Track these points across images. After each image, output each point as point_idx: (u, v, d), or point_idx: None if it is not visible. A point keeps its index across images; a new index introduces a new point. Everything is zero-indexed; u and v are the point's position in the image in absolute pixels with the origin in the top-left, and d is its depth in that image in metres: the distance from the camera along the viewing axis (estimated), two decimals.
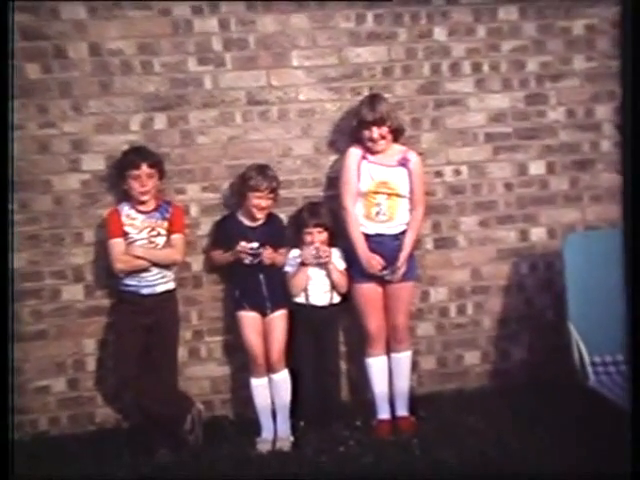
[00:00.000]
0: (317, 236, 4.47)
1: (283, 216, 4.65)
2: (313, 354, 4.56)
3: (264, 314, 4.45)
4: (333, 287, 4.52)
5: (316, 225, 4.48)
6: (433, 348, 4.97)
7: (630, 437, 2.02)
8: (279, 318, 4.46)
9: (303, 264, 4.45)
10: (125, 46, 4.39)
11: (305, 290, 4.51)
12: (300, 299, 4.53)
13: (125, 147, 4.41)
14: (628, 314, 1.94)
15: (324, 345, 4.60)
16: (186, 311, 4.64)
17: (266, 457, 4.29)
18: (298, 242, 4.52)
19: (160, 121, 4.49)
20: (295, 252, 4.52)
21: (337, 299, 4.57)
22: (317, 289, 4.52)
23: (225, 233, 4.52)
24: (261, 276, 4.42)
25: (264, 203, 4.42)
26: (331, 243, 4.53)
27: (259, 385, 4.45)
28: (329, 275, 4.50)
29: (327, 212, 4.55)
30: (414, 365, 4.77)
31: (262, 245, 4.39)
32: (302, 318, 4.53)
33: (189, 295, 4.66)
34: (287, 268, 4.51)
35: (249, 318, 4.44)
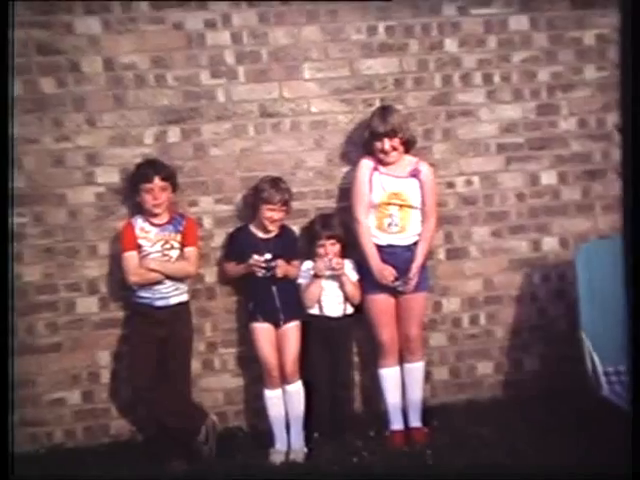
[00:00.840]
0: (330, 248, 4.51)
1: (295, 228, 4.68)
2: (327, 365, 4.59)
3: (277, 325, 4.49)
4: (346, 298, 4.56)
5: (329, 237, 4.52)
6: (446, 359, 5.01)
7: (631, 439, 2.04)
8: (292, 329, 4.51)
9: (316, 276, 4.49)
10: (139, 60, 4.46)
11: (319, 301, 4.55)
12: (314, 310, 4.57)
13: (139, 160, 4.45)
14: (629, 318, 1.99)
15: (337, 356, 4.64)
16: (200, 323, 4.69)
17: (280, 468, 4.33)
18: (311, 254, 4.55)
19: (173, 134, 4.56)
20: (308, 264, 4.56)
21: (350, 310, 4.61)
22: (331, 300, 4.57)
23: (238, 245, 4.56)
24: (274, 288, 4.46)
25: (276, 215, 4.47)
26: (344, 254, 4.57)
27: (273, 397, 4.49)
28: (342, 286, 4.54)
29: (339, 224, 4.59)
30: (427, 376, 4.82)
31: (275, 257, 4.43)
32: (316, 329, 4.57)
33: (203, 307, 4.72)
34: (300, 280, 4.55)
35: (262, 330, 4.49)
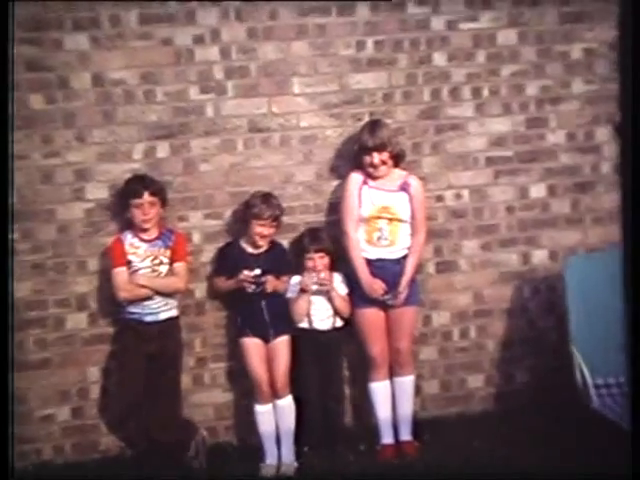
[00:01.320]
0: (318, 261, 4.53)
1: (284, 242, 4.70)
2: (317, 379, 4.62)
3: (267, 340, 4.51)
4: (336, 312, 4.59)
5: (317, 250, 4.53)
6: (436, 372, 5.03)
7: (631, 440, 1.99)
8: (282, 344, 4.53)
9: (303, 290, 4.51)
10: (128, 76, 4.49)
11: (308, 315, 4.57)
12: (303, 324, 4.59)
13: (128, 176, 4.48)
14: (627, 330, 1.94)
15: (328, 370, 4.67)
16: (189, 338, 4.69)
17: None
18: (299, 268, 4.57)
19: (163, 149, 4.58)
20: (296, 278, 4.57)
21: (340, 323, 4.63)
22: (320, 314, 4.59)
23: (228, 260, 4.58)
24: (263, 303, 4.49)
25: (267, 231, 4.50)
26: (332, 268, 4.59)
27: (264, 412, 4.52)
28: (331, 300, 4.57)
29: (328, 237, 4.61)
30: (417, 389, 4.84)
31: (264, 273, 4.46)
32: (305, 343, 4.58)
33: (192, 322, 4.72)
34: (289, 294, 4.56)
35: (252, 345, 4.50)
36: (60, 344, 4.59)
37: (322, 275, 4.51)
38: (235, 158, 4.68)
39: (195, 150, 4.62)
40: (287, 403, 4.54)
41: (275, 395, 4.52)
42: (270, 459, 4.51)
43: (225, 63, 4.58)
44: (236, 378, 4.75)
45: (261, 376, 4.49)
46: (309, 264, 4.53)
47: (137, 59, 4.49)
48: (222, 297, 4.72)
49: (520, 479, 4.10)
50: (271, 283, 4.46)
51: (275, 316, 4.52)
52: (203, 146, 4.62)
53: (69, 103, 4.46)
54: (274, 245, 4.62)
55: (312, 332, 4.60)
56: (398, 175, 4.55)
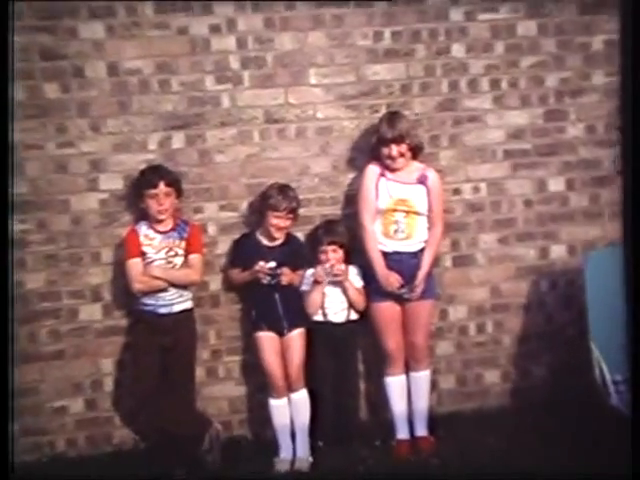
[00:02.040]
0: (332, 254, 4.54)
1: (300, 235, 4.70)
2: (331, 373, 4.62)
3: (281, 334, 4.51)
4: (350, 304, 4.60)
5: (330, 243, 4.54)
6: (452, 367, 5.02)
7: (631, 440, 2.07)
8: (297, 337, 4.52)
9: (317, 282, 4.50)
10: (143, 65, 4.47)
11: (322, 308, 4.57)
12: (318, 317, 4.60)
13: (143, 166, 4.46)
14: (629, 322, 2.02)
15: (343, 364, 4.67)
16: (204, 330, 4.70)
17: (285, 477, 4.36)
18: (314, 261, 4.57)
19: (178, 140, 4.57)
20: (311, 271, 4.58)
21: (354, 316, 4.63)
22: (334, 306, 4.59)
23: (243, 252, 4.58)
24: (277, 295, 4.48)
25: (283, 223, 4.49)
26: (347, 261, 4.59)
27: (278, 405, 4.50)
28: (345, 292, 4.57)
29: (343, 230, 4.61)
30: (433, 384, 4.83)
31: (279, 265, 4.44)
32: (320, 336, 4.59)
33: (207, 314, 4.73)
34: (303, 287, 4.56)
35: (267, 339, 4.50)
36: (73, 336, 4.60)
37: (336, 267, 4.47)
38: (251, 149, 4.66)
39: (211, 141, 4.61)
40: (302, 397, 4.53)
41: (289, 389, 4.51)
42: (285, 453, 4.51)
43: (241, 53, 4.56)
44: (250, 371, 4.75)
45: (275, 370, 4.48)
46: (322, 257, 4.54)
47: (153, 48, 4.48)
48: (237, 290, 4.72)
49: (534, 476, 4.04)
50: (287, 276, 4.45)
51: (289, 309, 4.51)
52: (219, 137, 4.61)
53: (84, 92, 4.45)
54: (290, 238, 4.62)
55: (326, 325, 4.60)
56: (416, 167, 4.52)
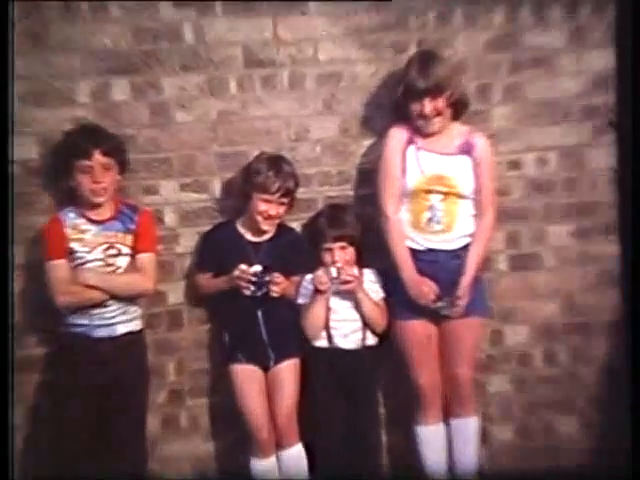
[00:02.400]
0: (339, 254, 4.07)
1: (296, 225, 4.29)
2: (340, 419, 4.09)
3: (266, 367, 4.10)
4: (366, 324, 4.13)
5: (338, 238, 4.07)
6: (511, 412, 4.62)
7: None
8: (287, 371, 4.09)
9: (318, 291, 4.05)
10: None
11: (327, 328, 4.09)
12: (320, 342, 4.13)
13: (69, 127, 4.02)
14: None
15: (355, 406, 4.14)
16: (159, 362, 4.30)
17: None
18: (314, 262, 4.15)
19: (120, 89, 4.11)
20: (311, 276, 4.13)
21: (372, 340, 4.16)
22: (343, 327, 4.12)
23: (217, 250, 4.17)
24: (259, 313, 4.05)
25: (274, 210, 4.06)
26: (360, 263, 4.18)
27: (264, 469, 4.01)
28: (359, 307, 4.10)
29: (354, 220, 4.17)
30: (484, 436, 4.44)
31: (268, 270, 4.01)
32: (324, 368, 4.12)
33: (164, 339, 4.31)
34: (300, 299, 4.09)
35: (246, 373, 4.07)
36: None
37: (346, 271, 4.03)
38: (226, 104, 4.20)
39: (168, 91, 4.14)
40: (295, 454, 4.08)
41: (279, 443, 4.06)
42: None
43: None
44: (225, 420, 4.32)
45: (259, 417, 4.01)
46: (327, 257, 4.07)
47: None
48: (207, 304, 4.30)
49: None
50: (278, 285, 4.01)
51: (277, 333, 4.08)
52: (179, 85, 4.14)
53: None
54: (284, 231, 4.22)
55: (333, 353, 4.11)
56: (458, 132, 4.09)
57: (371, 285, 4.18)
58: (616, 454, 2.37)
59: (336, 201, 4.32)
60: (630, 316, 4.27)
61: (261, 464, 4.05)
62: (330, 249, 4.08)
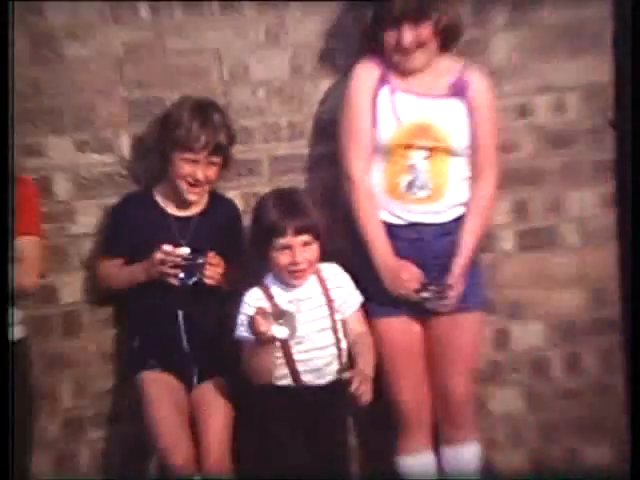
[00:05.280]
0: (301, 251, 3.19)
1: (234, 195, 3.56)
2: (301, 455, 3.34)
3: (188, 383, 3.38)
4: (340, 350, 3.32)
5: (299, 231, 3.20)
6: (522, 435, 3.89)
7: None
8: (215, 391, 3.38)
9: (259, 336, 3.08)
10: None
11: (289, 364, 3.23)
12: (281, 381, 3.31)
13: None
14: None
15: (326, 448, 3.38)
16: (50, 382, 3.58)
17: None
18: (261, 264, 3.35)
19: None
20: (255, 294, 3.24)
21: (347, 364, 3.37)
22: (313, 359, 3.28)
23: (130, 229, 3.47)
24: (180, 314, 3.34)
25: (201, 173, 3.37)
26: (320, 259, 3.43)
27: None
28: (335, 329, 3.30)
29: (313, 206, 3.39)
30: (487, 466, 3.66)
31: (197, 252, 3.31)
32: (286, 410, 3.32)
33: (56, 349, 3.59)
34: (237, 331, 3.23)
35: (159, 382, 3.35)
36: None
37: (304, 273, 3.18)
38: (135, 34, 3.46)
39: (56, 18, 3.38)
40: None
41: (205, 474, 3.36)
42: None
43: None
44: (140, 454, 3.52)
45: (171, 436, 3.21)
46: (282, 258, 3.14)
47: None
48: (113, 302, 3.58)
49: None
50: (214, 267, 3.31)
51: (202, 341, 3.37)
52: (70, 8, 3.44)
53: None
54: (218, 202, 3.54)
55: (301, 392, 3.29)
56: (447, 68, 3.38)
57: (341, 285, 3.29)
58: None
59: (282, 185, 3.58)
60: None
61: None
62: (289, 246, 3.17)
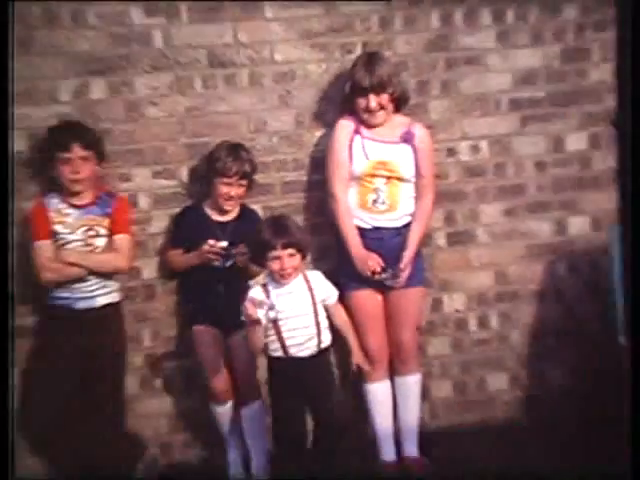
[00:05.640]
0: (287, 260, 3.78)
1: (257, 207, 4.41)
2: (305, 422, 3.97)
3: (225, 333, 4.25)
4: (320, 328, 3.89)
5: (286, 245, 3.80)
6: (448, 370, 4.82)
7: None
8: (243, 339, 4.11)
9: (250, 321, 3.76)
10: None
11: (279, 340, 3.83)
12: (275, 352, 3.90)
13: (53, 122, 4.15)
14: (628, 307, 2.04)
15: (315, 398, 3.95)
16: (136, 330, 4.44)
17: None
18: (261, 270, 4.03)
19: (98, 88, 4.25)
20: (256, 292, 3.80)
21: (328, 339, 3.93)
22: (296, 336, 3.87)
23: (187, 229, 4.32)
24: (220, 287, 4.22)
25: (234, 192, 4.24)
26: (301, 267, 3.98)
27: (219, 412, 4.26)
28: (317, 317, 3.88)
29: (298, 227, 4.06)
30: (425, 392, 4.60)
31: (233, 244, 4.18)
32: (283, 376, 3.91)
33: (139, 309, 4.46)
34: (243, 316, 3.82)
35: (205, 334, 4.24)
36: None
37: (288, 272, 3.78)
38: (192, 101, 4.37)
39: (140, 90, 4.31)
40: (254, 410, 4.25)
41: (240, 401, 4.26)
42: (233, 458, 4.32)
43: None
44: (196, 380, 4.44)
45: (215, 372, 4.20)
46: (275, 265, 3.76)
47: None
48: (177, 278, 4.44)
49: None
50: (244, 255, 4.15)
51: (235, 306, 4.02)
52: (150, 85, 4.31)
53: None
54: (245, 211, 4.38)
55: (290, 362, 3.88)
56: (399, 122, 4.29)
57: (323, 286, 3.96)
58: None
59: (275, 213, 4.32)
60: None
61: (217, 408, 4.26)
62: (279, 257, 3.80)
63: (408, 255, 4.23)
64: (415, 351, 4.41)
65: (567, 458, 4.19)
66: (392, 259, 4.23)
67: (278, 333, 3.85)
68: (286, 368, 3.91)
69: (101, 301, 4.13)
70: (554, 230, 4.79)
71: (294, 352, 3.87)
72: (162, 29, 4.29)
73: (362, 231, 4.25)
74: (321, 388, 3.97)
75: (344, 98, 4.29)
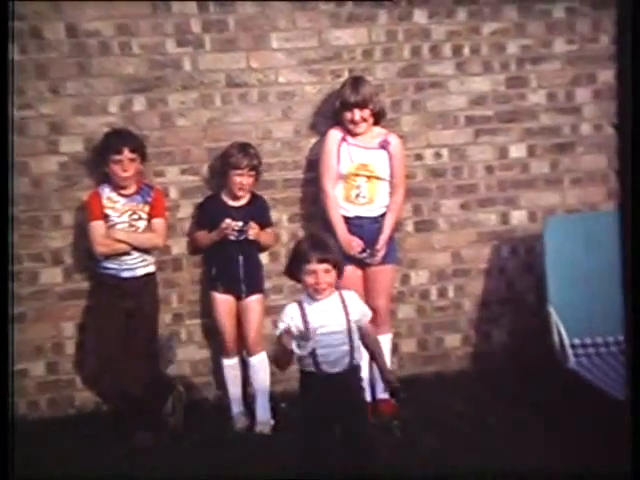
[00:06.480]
0: (322, 275, 3.44)
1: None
2: (336, 434, 3.61)
3: (239, 297, 4.56)
4: (353, 348, 3.52)
5: (322, 260, 3.45)
6: (414, 331, 5.09)
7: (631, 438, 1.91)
8: (255, 302, 4.59)
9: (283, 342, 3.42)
10: (103, 27, 4.49)
11: (312, 356, 3.45)
12: (308, 368, 3.53)
13: (104, 129, 4.49)
14: (626, 300, 1.85)
15: (350, 422, 3.60)
16: (166, 294, 4.74)
17: (246, 440, 4.35)
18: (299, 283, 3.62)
19: (139, 103, 4.60)
20: (292, 310, 3.50)
21: (360, 357, 3.58)
22: (329, 354, 3.47)
23: (209, 213, 4.64)
24: (240, 257, 4.53)
25: (245, 181, 4.54)
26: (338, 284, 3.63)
27: (229, 365, 4.61)
28: (351, 337, 3.50)
29: (336, 245, 3.74)
30: (394, 348, 4.89)
31: (245, 223, 4.48)
32: (313, 388, 3.57)
33: (169, 278, 4.77)
34: (277, 331, 3.51)
35: (222, 301, 4.58)
36: (34, 299, 4.62)
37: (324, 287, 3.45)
38: (213, 113, 4.71)
39: (172, 104, 4.65)
40: (259, 360, 4.55)
41: (248, 352, 4.58)
42: (237, 412, 4.58)
43: (203, 16, 4.59)
44: (213, 334, 4.75)
45: (228, 332, 4.59)
46: (310, 279, 3.44)
47: (112, 10, 4.48)
48: (199, 253, 4.72)
49: (496, 439, 4.10)
50: (254, 230, 4.50)
51: (250, 274, 4.57)
52: (180, 100, 4.66)
53: (42, 54, 4.45)
54: (255, 198, 4.66)
55: (322, 377, 3.51)
56: (377, 133, 4.61)
57: (358, 306, 3.59)
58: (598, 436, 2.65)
59: (313, 232, 4.40)
60: None
61: (227, 361, 4.61)
62: (314, 271, 3.44)
63: (383, 239, 4.56)
64: (387, 315, 4.73)
65: (504, 399, 4.48)
66: (370, 242, 4.55)
67: (312, 349, 3.49)
68: (317, 383, 3.57)
69: (141, 271, 4.47)
70: (499, 221, 5.09)
71: (325, 369, 3.51)
72: (190, 56, 4.61)
73: (347, 219, 4.56)
74: (351, 405, 3.62)
75: (334, 112, 4.63)
